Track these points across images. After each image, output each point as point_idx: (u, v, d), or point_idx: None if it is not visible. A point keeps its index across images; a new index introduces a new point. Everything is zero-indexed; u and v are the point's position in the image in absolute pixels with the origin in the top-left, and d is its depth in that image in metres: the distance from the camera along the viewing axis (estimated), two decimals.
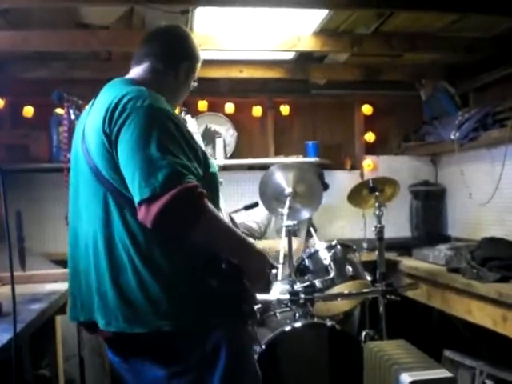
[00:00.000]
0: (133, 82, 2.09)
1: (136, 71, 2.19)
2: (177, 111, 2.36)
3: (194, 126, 2.56)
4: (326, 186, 4.39)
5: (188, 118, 2.61)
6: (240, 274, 1.97)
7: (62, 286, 3.12)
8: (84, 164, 1.98)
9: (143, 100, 1.89)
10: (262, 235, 4.44)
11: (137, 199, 1.77)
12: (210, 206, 1.84)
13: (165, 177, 1.75)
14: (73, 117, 3.13)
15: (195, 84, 2.35)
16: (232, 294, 1.96)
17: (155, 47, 2.20)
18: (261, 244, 3.98)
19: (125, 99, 1.89)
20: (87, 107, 2.13)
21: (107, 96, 1.97)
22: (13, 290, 1.82)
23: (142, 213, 1.77)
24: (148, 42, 2.24)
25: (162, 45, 2.21)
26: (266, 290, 2.17)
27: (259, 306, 2.15)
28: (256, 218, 4.42)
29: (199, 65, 2.32)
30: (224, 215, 2.14)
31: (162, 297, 1.84)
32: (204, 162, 2.00)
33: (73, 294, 2.09)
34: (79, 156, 2.02)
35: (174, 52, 2.22)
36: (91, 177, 1.94)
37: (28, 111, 4.76)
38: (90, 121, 1.99)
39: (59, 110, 4.53)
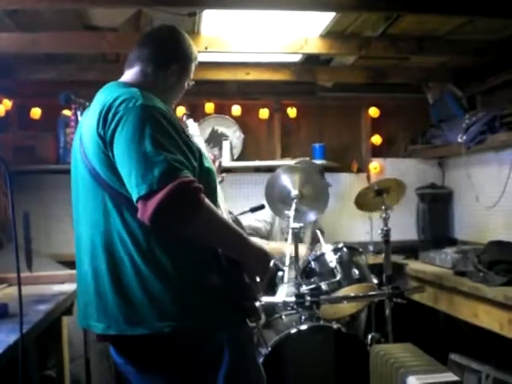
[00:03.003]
0: (125, 84, 2.10)
1: (128, 75, 2.20)
2: (180, 115, 2.36)
3: (195, 130, 2.56)
4: (328, 184, 4.39)
5: (190, 122, 2.61)
6: (240, 270, 1.98)
7: (69, 287, 3.14)
8: (82, 167, 2.00)
9: (136, 100, 1.90)
10: (268, 234, 4.44)
11: (135, 196, 1.78)
12: (207, 200, 1.84)
13: (161, 172, 1.76)
14: (80, 118, 3.13)
15: (192, 83, 2.34)
16: (233, 292, 1.97)
17: (145, 50, 2.19)
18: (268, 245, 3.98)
19: (118, 101, 1.90)
20: (86, 111, 2.15)
21: (100, 99, 1.98)
22: (19, 290, 1.83)
23: (140, 209, 1.77)
24: (139, 45, 2.23)
25: (151, 48, 2.20)
26: (267, 284, 2.17)
27: (262, 302, 2.14)
28: (260, 216, 4.40)
29: (193, 65, 2.30)
30: (224, 213, 2.14)
31: (163, 297, 1.85)
32: (199, 158, 2.01)
33: (79, 298, 2.10)
34: (78, 159, 2.04)
35: (163, 55, 2.20)
36: (89, 179, 1.96)
37: (35, 113, 4.78)
38: (86, 124, 2.01)
39: (66, 112, 4.55)
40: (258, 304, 2.09)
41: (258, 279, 2.05)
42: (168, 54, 2.22)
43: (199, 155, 2.02)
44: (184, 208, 1.78)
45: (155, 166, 1.77)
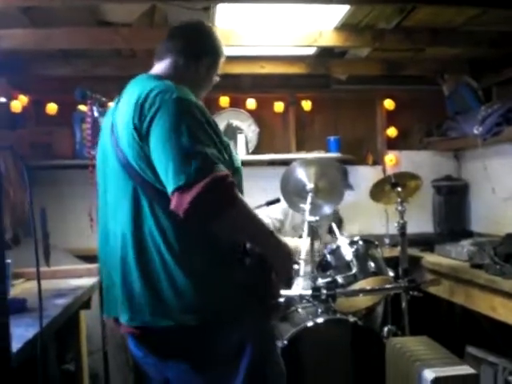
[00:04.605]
0: (157, 77, 2.12)
1: (159, 67, 2.22)
2: None
3: None
4: (349, 187, 4.40)
5: None
6: (266, 267, 1.99)
7: (87, 282, 3.16)
8: (113, 158, 2.00)
9: (171, 93, 1.92)
10: (278, 232, 4.42)
11: (170, 188, 1.79)
12: (240, 195, 1.87)
13: (198, 166, 1.78)
14: (96, 114, 3.15)
15: (218, 79, 2.37)
16: (258, 289, 1.98)
17: (177, 43, 2.23)
18: None
19: (153, 93, 1.91)
20: (113, 103, 2.16)
21: (134, 91, 1.99)
22: (39, 285, 1.84)
23: (174, 201, 1.78)
24: (170, 38, 2.26)
25: (183, 40, 2.24)
26: (289, 283, 2.18)
27: (283, 299, 2.16)
28: (270, 213, 4.39)
29: (222, 60, 2.34)
30: None
31: (189, 290, 1.86)
32: (229, 153, 2.03)
33: (106, 289, 2.12)
34: (108, 151, 2.05)
35: (194, 47, 2.24)
36: (120, 171, 1.97)
37: (51, 108, 4.81)
38: (119, 115, 2.01)
39: (82, 107, 4.56)
40: (280, 302, 2.11)
41: (283, 275, 2.07)
42: (200, 47, 2.26)
43: (230, 151, 2.05)
44: (218, 202, 1.79)
45: (192, 159, 1.79)
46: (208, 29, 2.33)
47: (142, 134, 1.89)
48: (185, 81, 2.12)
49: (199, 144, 1.83)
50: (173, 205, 1.79)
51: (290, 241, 4.07)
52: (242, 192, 2.10)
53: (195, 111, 1.92)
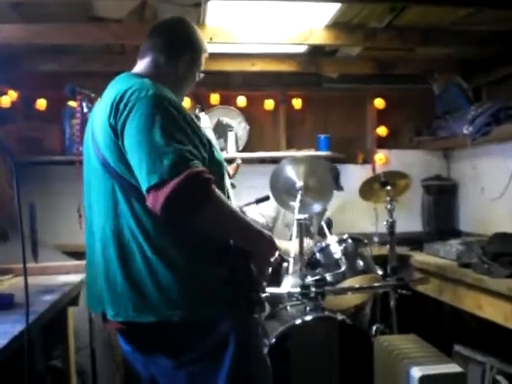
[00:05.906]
0: (137, 75, 2.13)
1: (140, 66, 2.23)
2: (189, 107, 2.38)
3: (206, 122, 2.60)
4: (339, 188, 4.42)
5: (202, 114, 2.65)
6: (247, 262, 2.00)
7: (75, 278, 3.14)
8: (94, 157, 2.02)
9: (147, 90, 1.92)
10: (269, 229, 4.43)
11: (144, 186, 1.79)
12: (217, 191, 1.86)
13: (171, 162, 1.77)
14: (85, 110, 3.14)
15: (201, 76, 2.36)
16: (240, 283, 1.98)
17: (157, 41, 2.23)
18: None
19: (129, 92, 1.92)
20: (97, 102, 2.17)
21: (112, 91, 2.00)
22: (25, 281, 1.83)
23: (150, 200, 1.79)
24: (150, 36, 2.26)
25: (163, 38, 2.23)
26: (267, 276, 2.17)
27: (266, 294, 2.15)
28: (263, 210, 4.40)
29: (204, 56, 2.33)
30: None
31: (172, 287, 1.87)
32: (209, 149, 2.02)
33: (89, 285, 2.14)
34: (90, 150, 2.07)
35: (174, 45, 2.24)
36: (100, 169, 1.98)
37: (41, 104, 4.79)
38: (97, 115, 2.03)
39: (72, 103, 4.54)
40: (263, 295, 2.10)
41: (264, 269, 2.07)
42: (179, 44, 2.25)
43: (209, 146, 2.03)
44: (194, 198, 1.79)
45: (165, 156, 1.78)
46: (188, 25, 2.31)
47: (117, 133, 1.90)
48: (166, 79, 2.14)
49: (172, 141, 1.82)
50: (149, 203, 1.80)
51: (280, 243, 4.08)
52: (223, 188, 2.09)
53: (170, 108, 1.91)
